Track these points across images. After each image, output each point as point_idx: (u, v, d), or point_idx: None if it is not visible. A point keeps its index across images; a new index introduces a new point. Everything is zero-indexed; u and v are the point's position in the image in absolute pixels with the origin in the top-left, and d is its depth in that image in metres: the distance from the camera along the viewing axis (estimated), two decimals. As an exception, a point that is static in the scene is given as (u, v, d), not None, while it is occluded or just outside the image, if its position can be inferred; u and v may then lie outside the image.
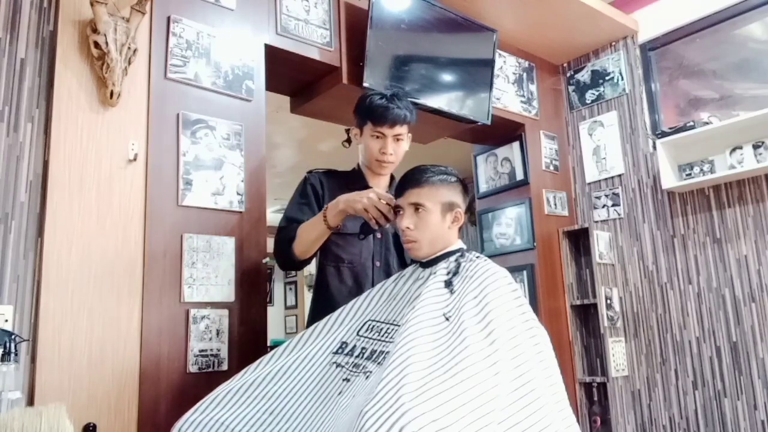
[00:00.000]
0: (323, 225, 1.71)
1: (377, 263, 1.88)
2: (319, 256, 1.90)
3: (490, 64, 2.93)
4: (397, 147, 1.89)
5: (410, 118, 1.87)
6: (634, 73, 3.29)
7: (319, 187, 1.92)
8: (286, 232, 1.84)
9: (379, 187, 1.93)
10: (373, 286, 1.79)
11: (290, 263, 1.84)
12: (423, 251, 1.52)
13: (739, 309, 2.78)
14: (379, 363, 1.33)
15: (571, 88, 3.55)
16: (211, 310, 1.93)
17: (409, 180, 1.55)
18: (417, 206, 1.51)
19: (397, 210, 1.57)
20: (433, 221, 1.50)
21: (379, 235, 1.90)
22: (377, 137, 1.86)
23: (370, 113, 1.86)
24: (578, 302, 3.20)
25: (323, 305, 1.82)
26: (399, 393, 1.10)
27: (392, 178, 2.02)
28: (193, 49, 2.06)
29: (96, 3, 1.78)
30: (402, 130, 1.86)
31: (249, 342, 1.99)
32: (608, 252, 3.22)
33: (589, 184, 3.40)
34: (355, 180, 1.93)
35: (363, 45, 2.47)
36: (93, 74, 1.83)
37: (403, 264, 1.91)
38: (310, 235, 1.76)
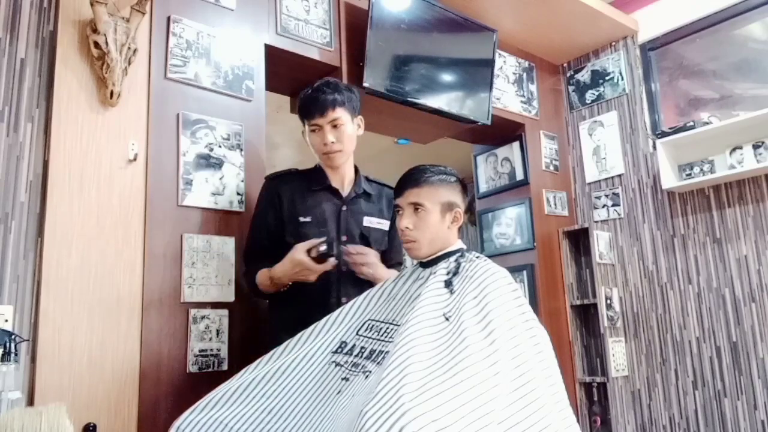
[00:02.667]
0: (273, 283, 1.76)
1: (343, 268, 1.80)
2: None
3: (490, 64, 2.93)
4: (340, 134, 1.82)
5: (341, 100, 1.80)
6: (634, 73, 3.29)
7: (277, 200, 1.87)
8: (249, 272, 1.85)
9: (343, 182, 1.90)
10: (339, 292, 1.79)
11: (260, 295, 1.87)
12: (422, 251, 1.52)
13: (739, 309, 2.78)
14: (378, 363, 1.33)
15: (571, 88, 3.55)
16: (211, 310, 1.93)
17: (408, 180, 1.54)
18: (416, 206, 1.51)
19: (399, 209, 1.57)
20: (433, 221, 1.50)
21: (344, 238, 1.84)
22: (315, 131, 1.83)
23: (301, 111, 1.85)
24: (578, 302, 3.20)
25: (290, 315, 1.76)
26: (399, 393, 1.10)
27: (357, 170, 1.96)
28: (193, 49, 2.06)
29: (96, 3, 1.78)
30: (337, 114, 1.80)
31: (249, 342, 1.99)
32: (608, 252, 3.22)
33: (589, 184, 3.40)
34: (316, 178, 1.90)
35: (363, 45, 2.47)
36: (93, 74, 1.83)
37: (377, 248, 1.86)
38: (267, 286, 1.79)
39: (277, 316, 1.87)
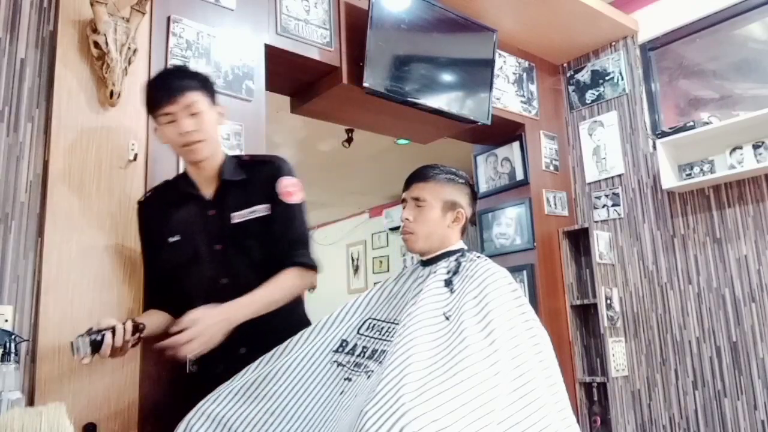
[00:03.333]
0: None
1: (223, 280, 1.58)
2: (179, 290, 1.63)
3: (490, 64, 2.93)
4: (199, 121, 1.53)
5: (195, 84, 1.55)
6: (634, 73, 3.29)
7: (145, 228, 1.69)
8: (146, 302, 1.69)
9: (209, 180, 1.62)
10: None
11: None
12: (418, 245, 1.54)
13: (739, 309, 2.78)
14: (380, 362, 1.33)
15: (571, 88, 3.55)
16: (211, 310, 1.92)
17: (416, 175, 1.57)
18: (419, 200, 1.53)
19: (404, 203, 1.58)
20: (433, 217, 1.52)
21: (218, 246, 1.58)
22: (168, 123, 1.54)
23: (148, 101, 1.58)
24: (578, 302, 3.20)
25: None
26: (399, 393, 1.10)
27: (222, 165, 1.63)
28: (193, 49, 2.06)
29: (96, 3, 1.78)
30: (189, 100, 1.52)
31: (249, 342, 1.99)
32: (608, 252, 3.22)
33: (589, 184, 3.40)
34: (182, 186, 1.66)
35: (363, 45, 2.47)
36: (93, 74, 1.83)
37: (257, 269, 1.55)
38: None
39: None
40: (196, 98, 1.54)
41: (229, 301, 1.45)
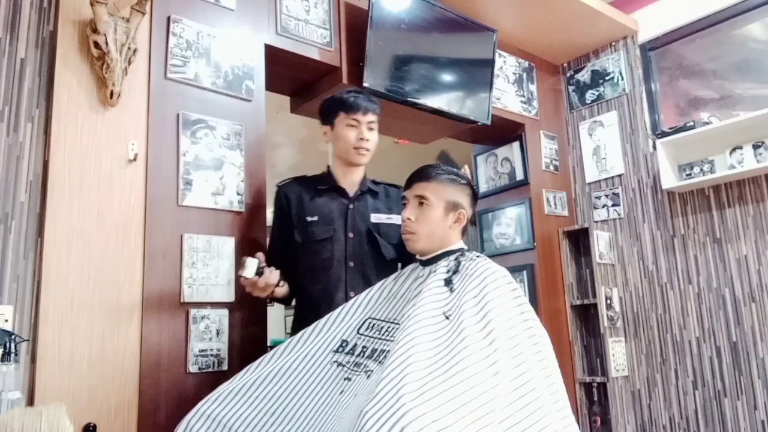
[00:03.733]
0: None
1: (351, 263, 1.89)
2: (297, 264, 1.93)
3: (490, 64, 2.93)
4: (372, 135, 1.95)
5: (379, 109, 1.98)
6: (634, 73, 3.29)
7: (285, 203, 1.97)
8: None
9: (353, 183, 1.99)
10: (347, 286, 1.84)
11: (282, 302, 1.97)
12: (419, 244, 1.53)
13: (739, 309, 2.78)
14: (380, 362, 1.33)
15: (571, 88, 3.55)
16: (211, 310, 1.93)
17: (418, 174, 1.57)
18: (421, 199, 1.52)
19: (405, 201, 1.59)
20: (434, 216, 1.51)
21: (351, 234, 1.91)
22: (352, 126, 1.92)
23: (342, 104, 1.94)
24: (578, 302, 3.20)
25: (302, 311, 1.90)
26: (399, 393, 1.10)
27: (364, 177, 2.04)
28: (193, 49, 2.06)
29: (96, 3, 1.78)
30: (373, 118, 1.94)
31: (249, 342, 1.99)
32: (608, 252, 3.22)
33: (589, 184, 3.40)
34: (325, 182, 1.99)
35: (363, 45, 2.47)
36: (93, 74, 1.83)
37: (380, 263, 1.91)
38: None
39: (297, 312, 1.96)
40: (376, 119, 1.96)
41: (351, 280, 1.86)
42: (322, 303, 1.81)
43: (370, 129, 1.95)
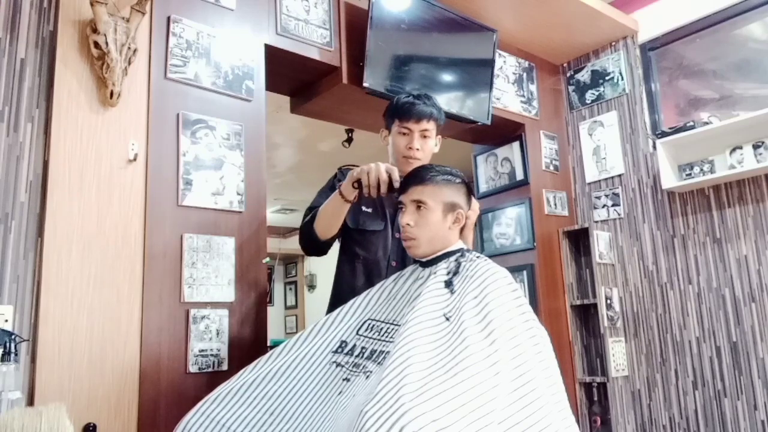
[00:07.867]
0: (338, 197, 1.73)
1: (393, 262, 1.87)
2: (338, 252, 1.92)
3: (490, 64, 2.93)
4: (424, 143, 1.88)
5: (437, 115, 1.90)
6: (634, 73, 3.30)
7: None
8: (308, 216, 1.88)
9: None
10: None
11: (313, 244, 1.86)
12: (421, 249, 1.52)
13: (739, 309, 2.78)
14: (379, 363, 1.33)
15: (571, 88, 3.55)
16: (211, 310, 1.93)
17: (413, 177, 1.55)
18: (419, 204, 1.51)
19: (402, 206, 1.56)
20: (434, 220, 1.50)
21: (398, 235, 1.88)
22: (404, 133, 1.87)
23: (397, 111, 1.89)
24: (578, 302, 3.20)
25: (336, 301, 1.85)
26: (399, 393, 1.09)
27: None
28: (193, 49, 2.06)
29: (96, 3, 1.78)
30: (428, 126, 1.88)
31: (249, 342, 1.99)
32: (608, 252, 3.22)
33: (589, 184, 3.40)
34: None
35: (363, 45, 2.47)
36: (93, 74, 1.83)
37: None
38: (327, 210, 1.78)
39: (333, 299, 1.91)
40: (432, 127, 1.89)
41: (388, 276, 1.74)
42: (369, 269, 1.83)
43: (424, 137, 1.88)
